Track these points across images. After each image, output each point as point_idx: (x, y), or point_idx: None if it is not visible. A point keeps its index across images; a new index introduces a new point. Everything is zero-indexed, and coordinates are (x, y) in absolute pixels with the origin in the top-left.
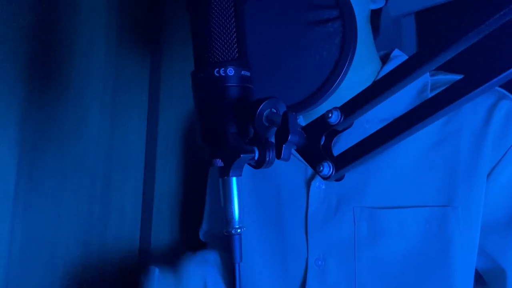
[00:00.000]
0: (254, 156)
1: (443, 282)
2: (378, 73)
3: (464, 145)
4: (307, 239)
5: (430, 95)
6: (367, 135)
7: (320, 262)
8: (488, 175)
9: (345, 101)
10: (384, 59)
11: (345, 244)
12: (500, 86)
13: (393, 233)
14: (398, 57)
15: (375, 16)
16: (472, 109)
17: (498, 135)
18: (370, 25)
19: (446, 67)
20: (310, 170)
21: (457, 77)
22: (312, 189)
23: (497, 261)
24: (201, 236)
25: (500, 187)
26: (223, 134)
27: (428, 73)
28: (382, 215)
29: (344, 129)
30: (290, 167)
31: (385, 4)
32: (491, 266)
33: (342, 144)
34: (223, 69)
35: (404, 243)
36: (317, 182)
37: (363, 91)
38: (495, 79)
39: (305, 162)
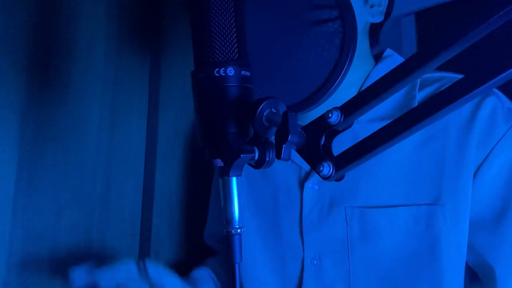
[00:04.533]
0: (254, 156)
1: (433, 279)
2: (370, 72)
3: (451, 143)
4: (302, 239)
5: (418, 94)
6: (358, 135)
7: (315, 262)
8: (475, 173)
9: (341, 100)
10: (377, 58)
11: (339, 243)
12: (500, 86)
13: (384, 232)
14: (390, 56)
15: (377, 29)
16: None
17: (483, 132)
18: (368, 35)
19: (446, 67)
20: (303, 172)
21: (446, 74)
22: (305, 190)
23: (485, 258)
24: (205, 238)
25: (487, 184)
26: (223, 134)
27: None
28: (372, 214)
29: (344, 129)
30: (284, 169)
31: (384, 20)
32: (481, 262)
33: (333, 144)
34: (223, 69)
35: (394, 241)
36: (310, 183)
37: (363, 91)
38: (495, 79)
39: (298, 164)
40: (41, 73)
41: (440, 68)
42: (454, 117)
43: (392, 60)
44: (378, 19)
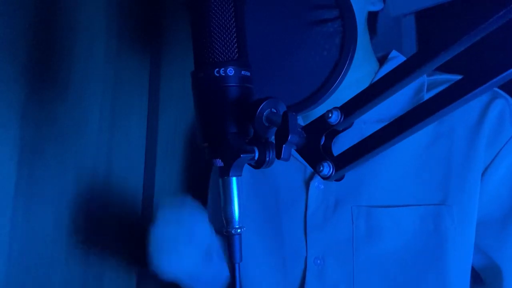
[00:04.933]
0: (254, 156)
1: (439, 279)
2: (376, 73)
3: (458, 144)
4: (306, 239)
5: (426, 96)
6: (364, 135)
7: (319, 261)
8: (483, 174)
9: (342, 100)
10: (382, 61)
11: (344, 243)
12: (500, 86)
13: (390, 231)
14: (396, 58)
15: (373, 17)
16: (465, 108)
17: (491, 134)
18: (367, 26)
19: (446, 67)
20: (309, 171)
21: (453, 77)
22: (311, 189)
23: (493, 258)
24: None
25: (495, 185)
26: (223, 134)
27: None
28: (379, 214)
29: (344, 129)
30: (289, 168)
31: (383, 7)
32: (487, 263)
33: (339, 144)
34: (223, 69)
35: (400, 241)
36: (316, 182)
37: (363, 91)
38: (495, 79)
39: (304, 163)
40: (41, 73)
41: (440, 68)
42: (462, 118)
43: (398, 61)
44: (379, 6)
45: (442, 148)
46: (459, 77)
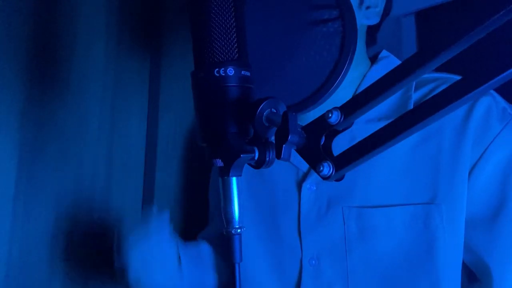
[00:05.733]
0: (254, 156)
1: (430, 278)
2: (366, 73)
3: (446, 142)
4: (300, 240)
5: (414, 95)
6: (355, 136)
7: (314, 262)
8: (470, 172)
9: (338, 100)
10: (373, 60)
11: (337, 243)
12: (500, 86)
13: (381, 231)
14: (386, 57)
15: (374, 29)
16: None
17: (478, 132)
18: (363, 35)
19: (446, 67)
20: (301, 173)
21: (441, 75)
22: (303, 191)
23: (481, 257)
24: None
25: (482, 183)
26: (223, 134)
27: None
28: (369, 214)
29: (344, 129)
30: (282, 170)
31: (380, 21)
32: (478, 261)
33: (332, 145)
34: (223, 69)
35: (391, 240)
36: (308, 184)
37: (363, 91)
38: (495, 79)
39: (296, 165)
40: (41, 73)
41: (440, 68)
42: (450, 116)
43: (389, 61)
44: (374, 21)
45: (431, 147)
46: (446, 75)
